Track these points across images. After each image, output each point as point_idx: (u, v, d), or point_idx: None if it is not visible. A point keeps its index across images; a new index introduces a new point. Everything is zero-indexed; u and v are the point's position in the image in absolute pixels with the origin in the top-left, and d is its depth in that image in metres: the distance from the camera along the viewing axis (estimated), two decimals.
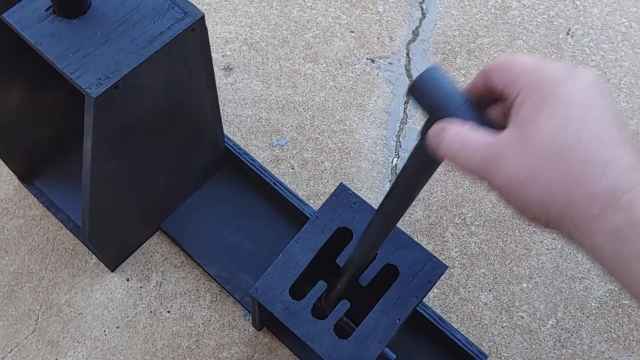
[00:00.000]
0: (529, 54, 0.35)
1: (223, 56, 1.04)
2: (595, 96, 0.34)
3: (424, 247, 0.69)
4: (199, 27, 0.64)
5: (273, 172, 0.91)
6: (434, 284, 0.67)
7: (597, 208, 0.32)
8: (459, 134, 0.36)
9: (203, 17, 0.64)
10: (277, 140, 0.97)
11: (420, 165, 0.44)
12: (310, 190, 0.94)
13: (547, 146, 0.33)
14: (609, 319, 0.87)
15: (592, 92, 0.34)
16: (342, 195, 0.70)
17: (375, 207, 0.88)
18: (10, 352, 0.81)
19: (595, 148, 0.32)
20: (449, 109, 0.37)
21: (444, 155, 0.37)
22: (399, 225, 0.80)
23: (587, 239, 0.33)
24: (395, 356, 0.74)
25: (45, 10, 0.61)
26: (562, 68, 0.34)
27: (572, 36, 1.09)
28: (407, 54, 1.06)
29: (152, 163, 0.76)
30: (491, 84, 0.37)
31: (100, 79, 0.59)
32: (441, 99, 0.38)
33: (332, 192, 0.93)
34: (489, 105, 0.39)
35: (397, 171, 0.96)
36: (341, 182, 0.71)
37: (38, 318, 0.83)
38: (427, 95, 0.38)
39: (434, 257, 0.67)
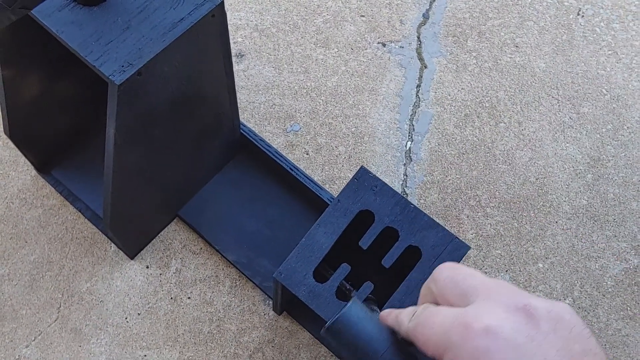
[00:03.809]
0: (441, 312, 0.34)
1: (234, 43, 1.04)
2: (526, 356, 0.29)
3: (443, 226, 0.69)
4: (218, 12, 0.64)
5: (288, 158, 0.91)
6: None
7: None
8: None
9: (222, 2, 0.64)
10: (291, 126, 0.98)
11: None
12: (326, 175, 0.94)
13: None
14: (625, 297, 0.88)
15: (519, 354, 0.30)
16: (363, 178, 0.70)
17: (395, 189, 0.88)
18: (34, 340, 0.82)
19: None
20: (376, 356, 0.34)
21: None
22: (419, 207, 0.81)
23: None
24: None
25: None
26: (476, 333, 0.30)
27: (583, 16, 1.09)
28: (418, 37, 1.06)
29: (171, 150, 0.76)
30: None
31: (123, 66, 0.59)
32: (365, 343, 0.34)
33: (347, 176, 0.94)
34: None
35: (411, 154, 0.96)
36: (362, 166, 0.71)
37: (60, 306, 0.84)
38: (347, 340, 0.34)
39: (456, 237, 0.68)
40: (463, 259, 0.89)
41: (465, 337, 0.30)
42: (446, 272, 0.35)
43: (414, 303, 0.66)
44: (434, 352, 0.32)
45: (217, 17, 0.64)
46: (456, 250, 0.67)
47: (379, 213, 0.68)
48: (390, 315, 0.37)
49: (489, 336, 0.30)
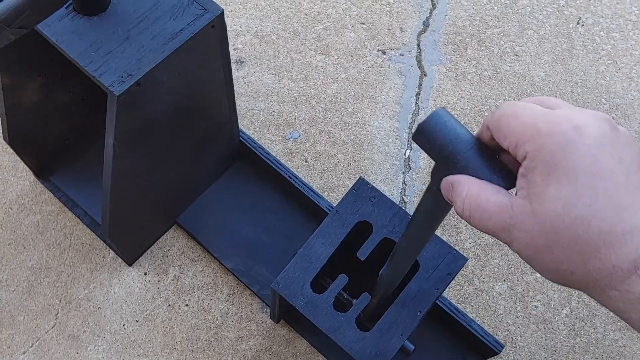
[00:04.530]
0: (528, 107, 0.34)
1: (234, 49, 1.04)
2: (606, 154, 0.31)
3: (440, 238, 0.69)
4: (218, 23, 0.64)
5: (287, 166, 0.92)
6: (454, 277, 0.67)
7: (618, 278, 0.31)
8: (471, 195, 0.35)
9: (222, 13, 0.64)
10: (290, 133, 0.98)
11: (433, 208, 0.43)
12: (324, 183, 0.94)
13: (559, 220, 0.31)
14: None
15: (601, 151, 0.31)
16: (362, 189, 0.70)
17: (392, 199, 0.89)
18: (31, 346, 0.82)
19: (611, 219, 0.31)
20: (457, 154, 0.36)
21: (459, 214, 0.36)
22: None
23: (610, 303, 0.32)
24: (413, 347, 0.74)
25: (66, 7, 0.61)
26: (565, 128, 0.32)
27: (583, 25, 1.09)
28: (418, 45, 1.06)
29: (170, 158, 0.76)
30: (497, 140, 0.35)
31: (122, 77, 0.59)
32: (448, 143, 0.36)
33: (346, 184, 0.94)
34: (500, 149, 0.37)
35: (410, 163, 0.97)
36: (360, 176, 0.71)
37: (58, 313, 0.84)
38: (433, 140, 0.36)
39: (454, 249, 0.68)
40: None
41: (554, 129, 0.32)
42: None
43: (412, 314, 0.67)
44: (515, 141, 0.33)
45: (217, 28, 0.65)
46: (454, 262, 0.68)
47: (377, 224, 0.69)
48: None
49: (576, 132, 0.31)
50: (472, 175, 0.36)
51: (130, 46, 0.61)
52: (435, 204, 0.42)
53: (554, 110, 0.33)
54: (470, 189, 0.35)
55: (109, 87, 0.59)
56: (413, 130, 0.38)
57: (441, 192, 0.38)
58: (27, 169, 0.90)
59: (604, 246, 0.31)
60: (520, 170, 0.34)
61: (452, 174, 0.37)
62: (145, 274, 0.87)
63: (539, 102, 0.35)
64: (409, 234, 0.50)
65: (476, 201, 0.35)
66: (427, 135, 0.37)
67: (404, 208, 0.93)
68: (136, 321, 0.84)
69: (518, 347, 0.85)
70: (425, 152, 0.38)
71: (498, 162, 0.36)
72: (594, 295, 0.33)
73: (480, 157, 0.36)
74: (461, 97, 1.02)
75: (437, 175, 0.39)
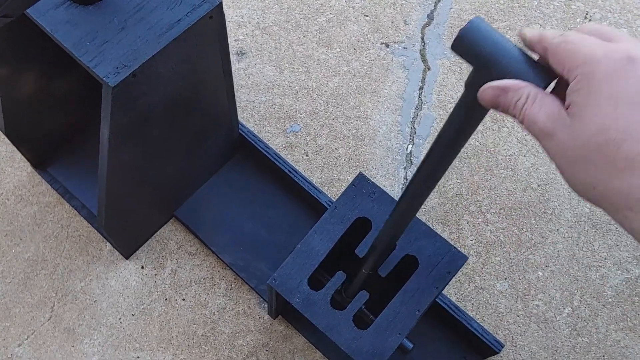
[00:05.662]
0: (590, 39, 0.36)
1: (235, 40, 1.02)
2: None
3: (441, 235, 0.68)
4: (216, 13, 0.63)
5: (287, 159, 0.90)
6: (454, 275, 0.66)
7: (634, 200, 0.33)
8: (530, 98, 0.37)
9: (221, 3, 0.62)
10: (291, 127, 0.96)
11: (465, 119, 0.43)
12: (325, 177, 0.93)
13: (593, 138, 0.34)
14: (625, 307, 0.87)
15: None
16: (361, 184, 0.69)
17: (393, 195, 0.87)
18: (27, 338, 0.81)
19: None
20: (504, 57, 0.37)
21: (512, 115, 0.38)
22: (418, 212, 0.80)
23: (626, 223, 0.35)
24: (412, 345, 0.73)
25: None
26: (619, 57, 0.34)
27: (590, 20, 1.07)
28: (422, 39, 1.05)
29: (167, 150, 0.75)
30: (551, 65, 0.37)
31: (117, 68, 0.58)
32: (492, 45, 0.37)
33: (346, 178, 0.93)
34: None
35: (411, 158, 0.95)
36: (360, 172, 0.70)
37: (54, 305, 0.83)
38: (477, 44, 0.37)
39: (454, 248, 0.67)
40: None
41: (609, 56, 0.34)
42: (592, 24, 0.39)
43: (410, 313, 0.65)
44: (569, 66, 0.35)
45: (215, 19, 0.63)
46: (454, 261, 0.66)
47: (376, 220, 0.67)
48: (530, 31, 0.40)
49: (629, 63, 0.34)
50: (518, 77, 0.37)
51: (126, 36, 0.60)
52: (469, 117, 0.42)
53: (614, 43, 0.35)
54: (530, 93, 0.37)
55: (104, 78, 0.58)
56: (452, 42, 0.39)
57: (480, 98, 0.38)
58: (25, 159, 0.89)
59: (628, 169, 0.33)
60: (569, 88, 0.35)
61: (496, 79, 0.37)
62: (143, 268, 0.86)
63: (599, 34, 0.37)
64: (430, 161, 0.48)
65: (530, 105, 0.37)
66: (470, 40, 0.37)
67: None
68: (132, 315, 0.83)
69: (518, 347, 0.84)
70: (465, 58, 0.38)
71: (540, 64, 0.37)
72: (611, 214, 0.35)
73: (525, 60, 0.37)
74: None
75: (478, 81, 0.38)
